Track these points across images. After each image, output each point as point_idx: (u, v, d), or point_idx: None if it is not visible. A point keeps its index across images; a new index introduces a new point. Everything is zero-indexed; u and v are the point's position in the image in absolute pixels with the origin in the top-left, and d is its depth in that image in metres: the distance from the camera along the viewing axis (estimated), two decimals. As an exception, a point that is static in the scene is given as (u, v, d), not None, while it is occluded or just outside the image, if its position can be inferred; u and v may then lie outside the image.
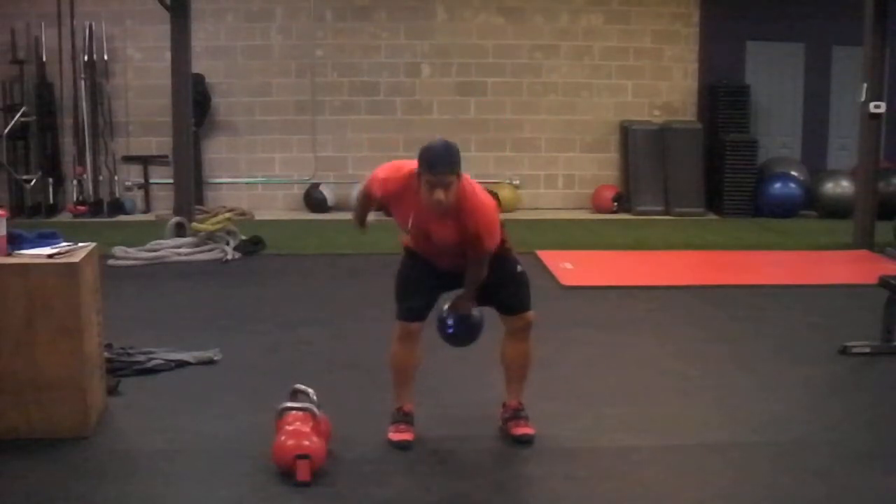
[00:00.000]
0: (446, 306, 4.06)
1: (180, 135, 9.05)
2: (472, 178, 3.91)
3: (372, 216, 4.10)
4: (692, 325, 6.26)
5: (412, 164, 3.76)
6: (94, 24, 10.88)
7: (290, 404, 3.84)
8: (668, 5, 11.71)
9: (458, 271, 3.93)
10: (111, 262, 7.71)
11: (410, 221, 3.85)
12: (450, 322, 4.07)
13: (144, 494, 3.57)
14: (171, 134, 9.26)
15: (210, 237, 8.48)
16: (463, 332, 4.10)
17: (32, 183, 10.74)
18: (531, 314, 4.08)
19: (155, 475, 3.72)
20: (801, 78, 12.03)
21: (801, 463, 3.89)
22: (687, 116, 11.81)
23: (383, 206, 4.11)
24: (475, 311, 4.07)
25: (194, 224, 8.66)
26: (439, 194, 3.64)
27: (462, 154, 3.77)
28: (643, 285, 7.43)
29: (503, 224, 4.00)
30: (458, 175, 3.68)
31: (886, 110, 8.97)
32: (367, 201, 4.12)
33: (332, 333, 5.91)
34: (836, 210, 10.79)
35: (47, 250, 4.09)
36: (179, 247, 8.35)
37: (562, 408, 4.50)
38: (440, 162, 3.65)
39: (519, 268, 4.07)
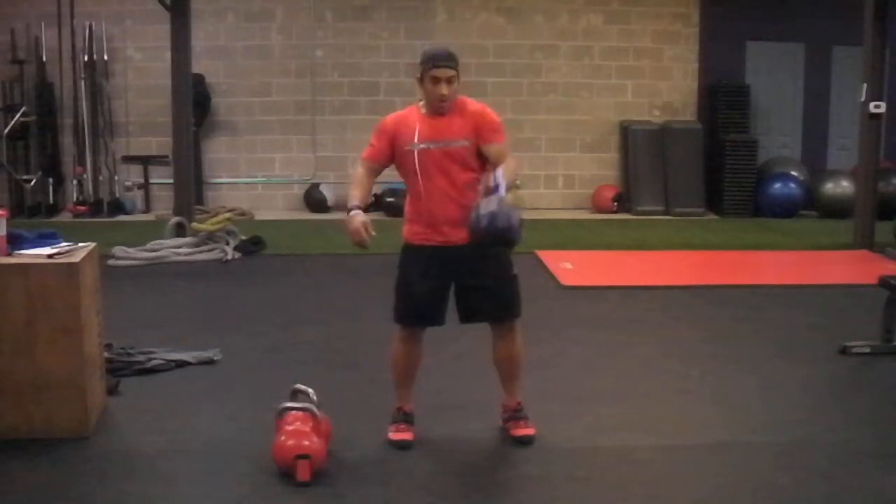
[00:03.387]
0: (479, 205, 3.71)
1: (180, 135, 9.05)
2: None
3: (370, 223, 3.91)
4: (692, 325, 6.26)
5: None
6: (94, 24, 10.88)
7: (290, 404, 3.84)
8: (668, 5, 11.71)
9: (462, 230, 3.80)
10: (111, 262, 7.71)
11: (416, 137, 3.88)
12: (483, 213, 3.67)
13: (144, 494, 3.57)
14: (171, 134, 9.26)
15: (210, 237, 8.48)
16: (499, 216, 3.67)
17: (32, 183, 10.74)
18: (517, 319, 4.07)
19: (155, 475, 3.73)
20: (801, 78, 12.03)
21: (801, 463, 3.89)
22: (687, 116, 11.82)
23: (383, 161, 4.00)
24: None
25: (194, 224, 8.66)
26: (442, 87, 3.82)
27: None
28: (643, 285, 7.43)
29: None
30: (458, 74, 3.87)
31: (886, 110, 8.97)
32: (370, 164, 4.00)
33: (332, 333, 5.91)
34: (836, 210, 10.79)
35: (47, 250, 4.09)
36: (179, 247, 8.35)
37: (562, 408, 4.50)
38: (443, 56, 3.89)
39: (514, 270, 4.04)
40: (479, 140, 3.89)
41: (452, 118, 3.90)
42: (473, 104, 3.97)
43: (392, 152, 3.97)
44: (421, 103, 3.97)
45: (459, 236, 3.85)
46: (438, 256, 3.94)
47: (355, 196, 3.96)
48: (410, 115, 3.97)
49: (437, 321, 4.02)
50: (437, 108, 3.88)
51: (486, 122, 3.91)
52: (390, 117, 4.03)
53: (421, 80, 3.89)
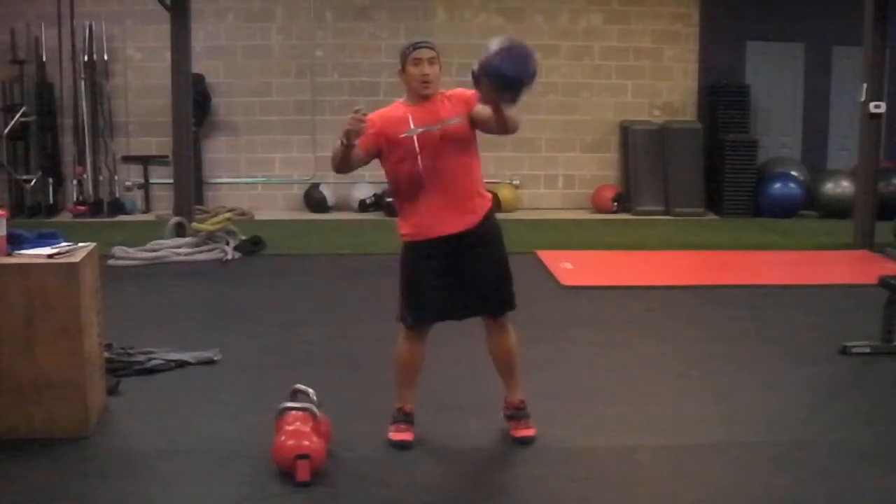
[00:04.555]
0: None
1: (180, 135, 9.04)
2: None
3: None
4: (692, 325, 6.26)
5: None
6: (94, 24, 10.88)
7: (290, 404, 3.85)
8: (668, 5, 11.71)
9: (464, 225, 3.90)
10: (111, 262, 7.70)
11: (412, 123, 3.90)
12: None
13: (144, 494, 3.57)
14: (171, 134, 9.26)
15: (210, 237, 8.48)
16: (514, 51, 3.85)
17: (32, 183, 10.74)
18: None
19: (155, 475, 3.73)
20: (801, 78, 12.03)
21: (801, 463, 3.89)
22: (687, 116, 11.81)
23: (369, 156, 3.97)
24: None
25: (194, 224, 8.66)
26: (425, 67, 3.89)
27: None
28: (643, 285, 7.42)
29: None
30: (438, 57, 3.95)
31: (886, 110, 8.96)
32: (351, 152, 3.86)
33: (332, 333, 5.91)
34: (836, 210, 10.78)
35: (47, 250, 4.09)
36: (179, 247, 8.35)
37: (562, 408, 4.50)
38: (420, 40, 4.02)
39: (505, 253, 4.06)
40: (469, 109, 3.93)
41: (440, 102, 3.96)
42: (452, 91, 4.04)
43: (379, 146, 3.93)
44: (404, 98, 4.01)
45: (459, 224, 3.90)
46: (440, 250, 3.92)
47: None
48: (396, 110, 4.01)
49: (450, 314, 4.01)
50: (422, 91, 3.91)
51: (469, 94, 3.95)
52: (375, 113, 3.99)
53: (403, 70, 3.94)
